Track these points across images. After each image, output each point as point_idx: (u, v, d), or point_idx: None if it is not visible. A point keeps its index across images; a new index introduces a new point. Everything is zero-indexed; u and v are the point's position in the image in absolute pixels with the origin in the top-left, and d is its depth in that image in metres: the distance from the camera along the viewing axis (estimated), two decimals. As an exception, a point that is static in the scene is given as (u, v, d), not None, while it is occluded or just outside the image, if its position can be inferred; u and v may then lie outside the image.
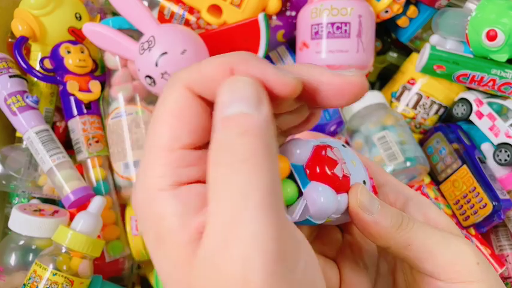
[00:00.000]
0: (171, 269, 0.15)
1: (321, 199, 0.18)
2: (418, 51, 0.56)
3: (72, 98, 0.46)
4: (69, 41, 0.47)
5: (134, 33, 0.46)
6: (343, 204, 0.20)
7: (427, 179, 0.53)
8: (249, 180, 0.13)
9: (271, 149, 0.14)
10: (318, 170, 0.19)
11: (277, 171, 0.14)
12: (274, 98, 0.16)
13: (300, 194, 0.19)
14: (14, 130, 0.47)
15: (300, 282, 0.14)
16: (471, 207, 0.49)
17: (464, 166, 0.50)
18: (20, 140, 0.48)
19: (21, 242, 0.43)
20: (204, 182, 0.16)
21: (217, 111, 0.15)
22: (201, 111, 0.16)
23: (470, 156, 0.50)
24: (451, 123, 0.54)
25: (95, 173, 0.46)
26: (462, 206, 0.50)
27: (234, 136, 0.14)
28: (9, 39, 0.52)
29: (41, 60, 0.47)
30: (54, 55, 0.47)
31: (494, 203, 0.47)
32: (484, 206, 0.48)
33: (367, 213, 0.20)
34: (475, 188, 0.49)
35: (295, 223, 0.18)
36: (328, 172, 0.19)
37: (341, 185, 0.20)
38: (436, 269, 0.20)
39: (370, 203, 0.20)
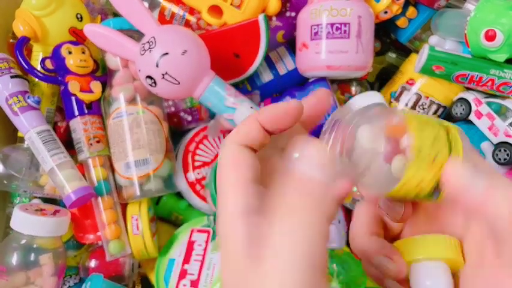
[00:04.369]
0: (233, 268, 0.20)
1: None
2: (417, 51, 0.56)
3: (73, 98, 0.47)
4: (70, 42, 0.48)
5: (135, 34, 0.47)
6: None
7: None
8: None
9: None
10: None
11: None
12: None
13: None
14: (15, 130, 0.47)
15: None
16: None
17: None
18: (22, 140, 0.48)
19: (23, 242, 0.43)
20: None
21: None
22: (253, 156, 0.23)
23: None
24: None
25: (96, 172, 0.46)
26: None
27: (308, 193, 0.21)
28: (11, 40, 0.53)
29: (42, 61, 0.47)
30: (56, 55, 0.47)
31: None
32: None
33: (469, 192, 0.20)
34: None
35: None
36: None
37: None
38: None
39: (473, 180, 0.20)
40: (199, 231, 0.48)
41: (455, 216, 0.24)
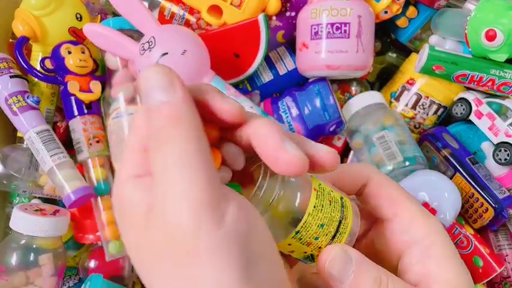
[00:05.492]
0: (131, 232, 0.18)
1: None
2: (417, 51, 0.56)
3: (72, 98, 0.47)
4: (70, 42, 0.47)
5: (135, 34, 0.47)
6: None
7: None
8: (177, 154, 0.17)
9: (194, 125, 0.17)
10: None
11: (202, 138, 0.17)
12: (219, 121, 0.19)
13: None
14: (15, 130, 0.47)
15: (229, 226, 0.16)
16: (475, 212, 0.50)
17: (458, 174, 0.50)
18: (21, 140, 0.48)
19: (23, 242, 0.43)
20: None
21: (142, 103, 0.18)
22: None
23: (460, 162, 0.50)
24: (435, 130, 0.54)
25: (96, 172, 0.46)
26: (468, 210, 0.51)
27: (160, 124, 0.17)
28: (10, 40, 0.52)
29: (42, 61, 0.47)
30: (55, 55, 0.47)
31: (494, 206, 0.48)
32: (486, 210, 0.48)
33: (337, 282, 0.20)
34: (473, 194, 0.49)
35: None
36: None
37: None
38: None
39: (342, 272, 0.20)
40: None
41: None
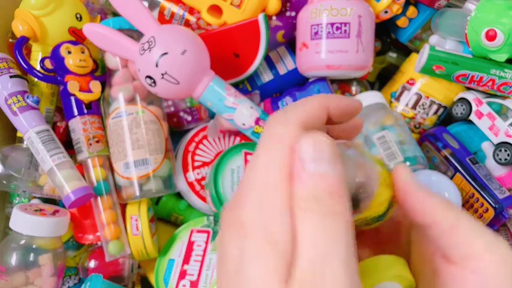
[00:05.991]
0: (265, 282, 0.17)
1: None
2: (417, 51, 0.56)
3: (72, 98, 0.46)
4: (70, 41, 0.47)
5: (134, 34, 0.46)
6: None
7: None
8: (335, 230, 0.17)
9: (348, 205, 0.18)
10: None
11: (350, 218, 0.18)
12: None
13: None
14: (14, 130, 0.47)
15: None
16: (475, 212, 0.49)
17: (458, 174, 0.50)
18: (21, 140, 0.48)
19: (22, 242, 0.43)
20: None
21: (301, 164, 0.18)
22: None
23: (460, 162, 0.50)
24: (435, 130, 0.54)
25: (96, 172, 0.46)
26: (468, 210, 0.50)
27: (322, 192, 0.17)
28: (10, 40, 0.52)
29: (42, 61, 0.47)
30: (55, 55, 0.47)
31: (494, 206, 0.47)
32: (486, 211, 0.48)
33: (416, 189, 0.21)
34: (473, 194, 0.49)
35: None
36: None
37: None
38: (473, 255, 0.20)
39: (417, 181, 0.22)
40: (199, 231, 0.48)
41: (396, 239, 0.25)
